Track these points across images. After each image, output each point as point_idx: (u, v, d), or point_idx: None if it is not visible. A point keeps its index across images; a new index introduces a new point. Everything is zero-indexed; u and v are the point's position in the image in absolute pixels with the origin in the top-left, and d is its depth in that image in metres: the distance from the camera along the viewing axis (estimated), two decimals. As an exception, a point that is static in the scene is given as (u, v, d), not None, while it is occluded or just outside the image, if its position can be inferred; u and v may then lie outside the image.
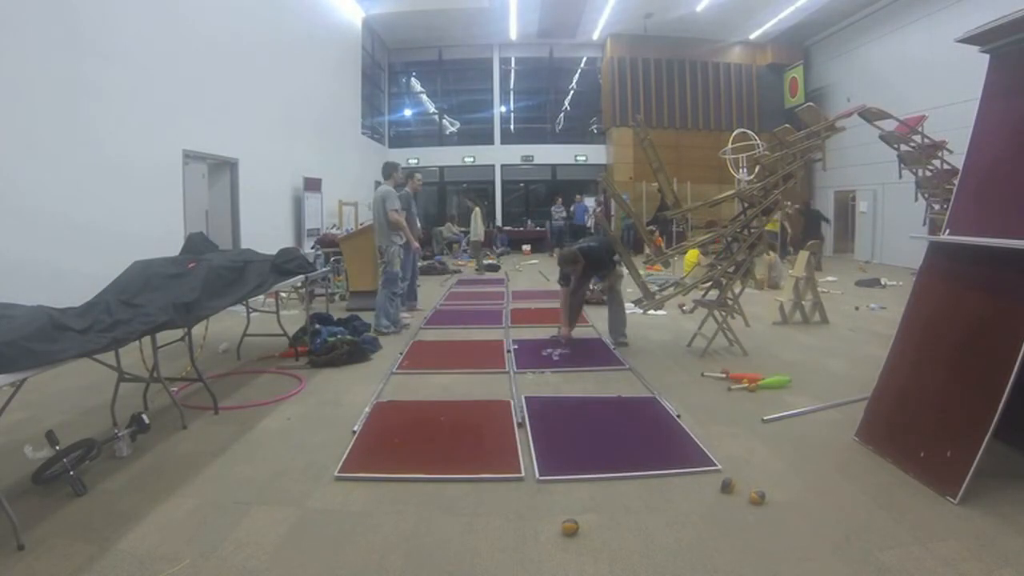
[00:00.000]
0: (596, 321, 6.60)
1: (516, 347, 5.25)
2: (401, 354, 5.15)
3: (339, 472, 2.82)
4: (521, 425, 3.42)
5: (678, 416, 3.58)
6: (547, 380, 4.40)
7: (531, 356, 5.04)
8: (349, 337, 5.12)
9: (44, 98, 5.40)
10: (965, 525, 2.32)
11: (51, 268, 5.09)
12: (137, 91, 6.57)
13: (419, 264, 10.53)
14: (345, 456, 2.98)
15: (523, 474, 2.81)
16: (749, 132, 10.39)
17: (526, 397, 3.89)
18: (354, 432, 3.33)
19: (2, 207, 4.89)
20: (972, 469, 2.46)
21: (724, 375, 4.38)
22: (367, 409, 3.70)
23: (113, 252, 4.58)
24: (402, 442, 3.25)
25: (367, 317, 6.15)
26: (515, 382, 4.30)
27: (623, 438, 3.33)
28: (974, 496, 2.47)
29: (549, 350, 5.16)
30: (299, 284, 5.51)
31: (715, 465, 2.89)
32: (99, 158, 5.99)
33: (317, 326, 5.29)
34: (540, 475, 2.78)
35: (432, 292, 9.15)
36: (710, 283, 5.29)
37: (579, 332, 6.05)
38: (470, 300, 8.31)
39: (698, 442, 3.17)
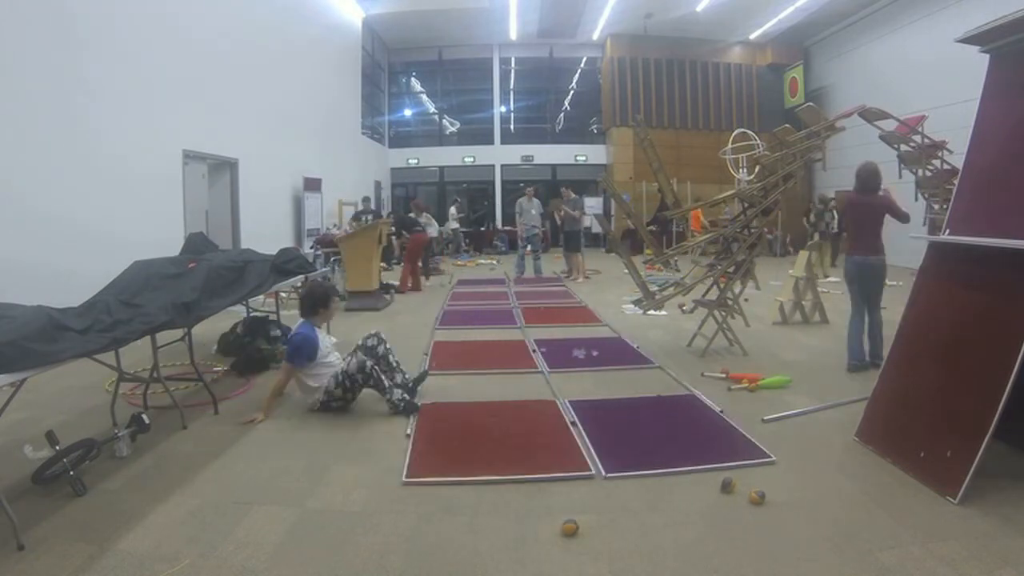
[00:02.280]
0: (611, 320, 6.62)
1: (544, 350, 5.22)
2: (426, 355, 5.11)
3: (406, 478, 2.77)
4: (574, 424, 3.43)
5: (721, 412, 3.64)
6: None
7: (560, 356, 5.03)
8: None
9: (43, 98, 5.39)
10: (965, 525, 2.32)
11: (51, 269, 5.08)
12: (137, 91, 6.56)
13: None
14: (408, 461, 2.93)
15: (592, 472, 2.84)
16: (749, 132, 10.40)
17: (571, 399, 3.88)
18: (408, 435, 3.29)
19: (1, 208, 4.89)
20: (972, 469, 2.46)
21: (724, 375, 4.39)
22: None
23: (113, 252, 4.57)
24: (460, 444, 3.24)
25: (367, 316, 6.14)
26: (552, 382, 4.30)
27: (674, 434, 3.40)
28: (974, 496, 2.47)
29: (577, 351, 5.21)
30: (299, 284, 5.51)
31: (770, 457, 2.95)
32: (99, 158, 5.99)
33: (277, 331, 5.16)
34: (607, 472, 2.81)
35: (435, 293, 9.16)
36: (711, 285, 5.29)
37: (598, 332, 6.09)
38: (475, 300, 8.32)
39: (748, 436, 3.23)
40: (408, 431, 3.35)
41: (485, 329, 6.25)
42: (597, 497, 2.62)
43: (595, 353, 5.13)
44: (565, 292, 9.00)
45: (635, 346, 5.42)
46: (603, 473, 2.81)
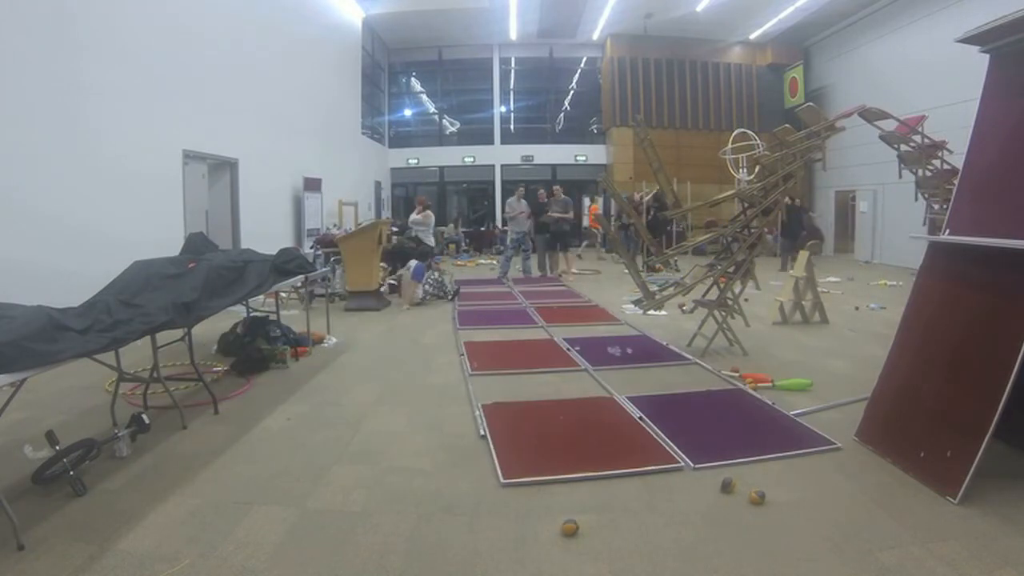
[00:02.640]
0: (628, 318, 6.66)
1: (578, 348, 5.22)
2: (463, 355, 5.09)
3: (505, 480, 2.74)
4: (642, 419, 3.46)
5: (772, 403, 3.71)
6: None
7: (596, 354, 5.04)
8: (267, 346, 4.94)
9: (43, 99, 5.38)
10: (965, 525, 2.32)
11: (51, 269, 5.08)
12: (137, 91, 6.56)
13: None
14: (498, 462, 2.90)
15: (680, 464, 2.88)
16: (749, 132, 10.39)
17: (627, 395, 3.92)
18: (482, 436, 3.27)
19: (2, 208, 4.89)
20: (972, 469, 2.46)
21: (736, 374, 4.41)
22: (478, 412, 3.61)
23: (113, 252, 4.57)
24: (540, 443, 3.23)
25: (367, 316, 6.13)
26: (601, 380, 4.30)
27: (738, 425, 3.48)
28: (974, 496, 2.47)
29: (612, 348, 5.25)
30: (299, 284, 5.51)
31: (834, 444, 3.04)
32: (98, 158, 5.98)
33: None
34: (695, 464, 2.87)
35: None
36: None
37: (622, 330, 6.13)
38: (482, 300, 8.31)
39: (809, 425, 3.36)
40: (481, 432, 3.32)
41: (506, 329, 6.25)
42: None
43: (629, 351, 5.19)
44: (568, 291, 9.01)
45: (664, 343, 5.48)
46: (691, 465, 2.87)
